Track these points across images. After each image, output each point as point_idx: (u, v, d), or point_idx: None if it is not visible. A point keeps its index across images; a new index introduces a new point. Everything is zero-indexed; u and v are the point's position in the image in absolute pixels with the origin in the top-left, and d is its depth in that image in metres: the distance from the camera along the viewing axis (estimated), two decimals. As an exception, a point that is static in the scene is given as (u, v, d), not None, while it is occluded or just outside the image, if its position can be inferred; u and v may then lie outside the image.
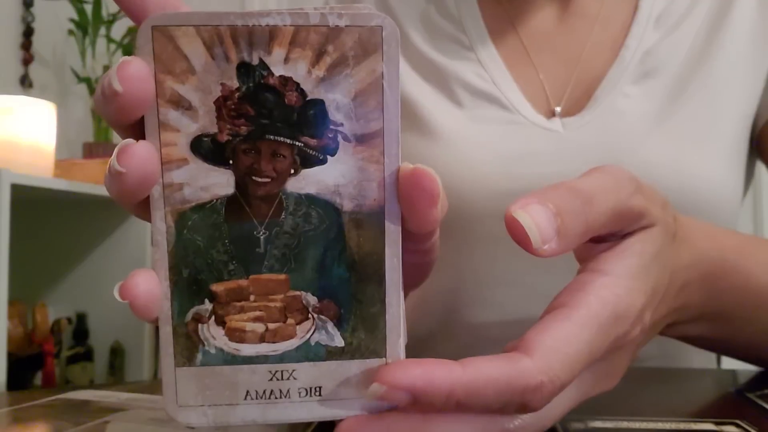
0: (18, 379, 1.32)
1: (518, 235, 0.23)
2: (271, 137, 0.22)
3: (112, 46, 1.77)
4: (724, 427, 0.30)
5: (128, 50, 1.75)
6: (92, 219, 1.52)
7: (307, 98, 0.22)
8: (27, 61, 1.81)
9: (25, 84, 1.81)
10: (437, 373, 0.21)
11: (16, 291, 1.21)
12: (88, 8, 1.74)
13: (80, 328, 1.51)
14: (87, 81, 1.77)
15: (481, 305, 0.52)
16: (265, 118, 0.22)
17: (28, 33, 1.81)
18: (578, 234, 0.24)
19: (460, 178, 0.50)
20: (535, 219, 0.23)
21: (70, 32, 1.81)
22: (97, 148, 1.69)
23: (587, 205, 0.24)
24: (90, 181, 1.38)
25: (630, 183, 0.27)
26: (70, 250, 1.54)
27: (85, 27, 1.75)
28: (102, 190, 1.37)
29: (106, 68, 1.78)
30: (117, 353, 1.51)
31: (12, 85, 1.77)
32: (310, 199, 0.22)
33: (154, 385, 0.42)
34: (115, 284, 0.21)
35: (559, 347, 0.23)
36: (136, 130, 0.22)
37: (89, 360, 1.51)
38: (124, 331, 1.51)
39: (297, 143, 0.22)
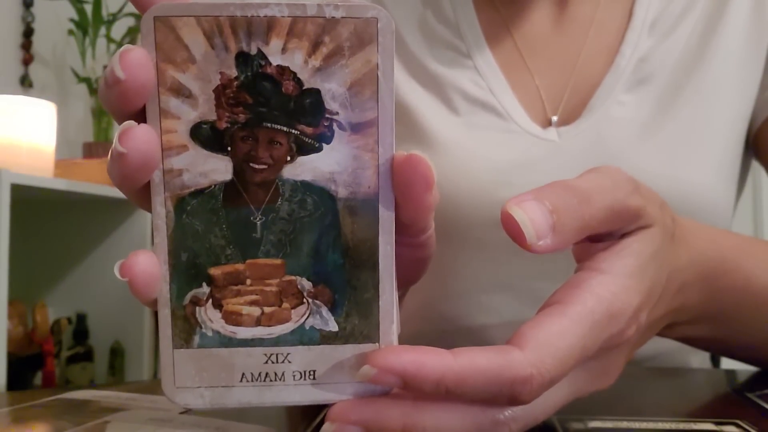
0: (18, 379, 1.32)
1: (512, 231, 0.23)
2: (269, 125, 0.23)
3: (112, 46, 1.77)
4: (724, 427, 0.30)
5: (128, 50, 1.75)
6: (92, 219, 1.52)
7: (304, 87, 0.22)
8: (27, 61, 1.81)
9: (25, 84, 1.81)
10: (428, 360, 0.22)
11: (16, 291, 1.21)
12: (88, 8, 1.74)
13: (80, 328, 1.51)
14: (87, 81, 1.77)
15: (479, 310, 0.53)
16: (263, 106, 0.22)
17: (28, 33, 1.81)
18: (574, 231, 0.24)
19: (457, 186, 0.51)
20: (530, 215, 0.23)
21: (70, 32, 1.81)
22: (97, 148, 1.69)
23: (584, 203, 0.24)
24: (90, 181, 1.38)
25: (627, 183, 0.27)
26: (70, 250, 1.54)
27: (85, 27, 1.76)
28: (102, 190, 1.37)
29: (106, 68, 1.78)
30: (117, 353, 1.51)
31: (12, 85, 1.77)
32: (306, 186, 0.23)
33: (154, 385, 0.42)
34: (115, 285, 0.22)
35: (551, 341, 0.23)
36: (138, 120, 0.22)
37: (89, 360, 1.51)
38: (124, 331, 1.51)
39: (293, 131, 0.23)
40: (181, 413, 0.31)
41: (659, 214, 0.28)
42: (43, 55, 1.88)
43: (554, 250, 0.24)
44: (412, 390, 0.22)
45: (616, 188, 0.26)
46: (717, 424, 0.31)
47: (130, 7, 1.68)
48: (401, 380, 0.22)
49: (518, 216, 0.23)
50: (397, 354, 0.22)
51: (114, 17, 1.78)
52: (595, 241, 0.27)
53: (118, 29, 1.80)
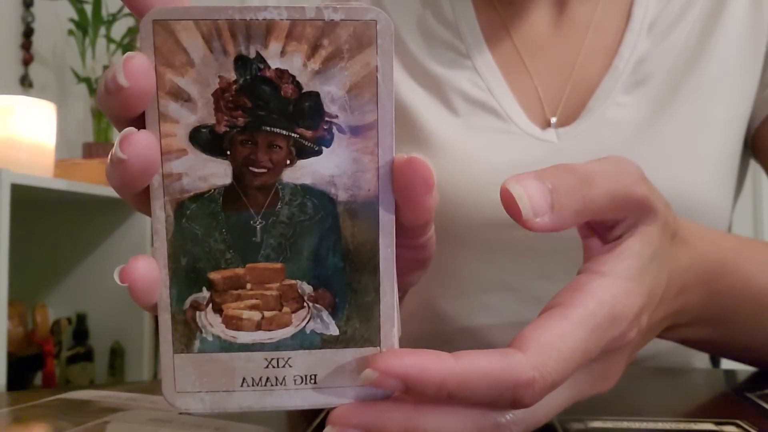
0: (18, 379, 1.32)
1: (510, 206, 0.23)
2: (268, 129, 0.23)
3: (112, 46, 1.77)
4: (724, 427, 0.30)
5: (128, 50, 1.74)
6: (92, 219, 1.52)
7: (303, 91, 0.22)
8: (27, 61, 1.81)
9: (25, 84, 1.81)
10: (430, 363, 0.21)
11: (16, 291, 1.21)
12: (88, 8, 1.74)
13: (80, 329, 1.51)
14: (87, 81, 1.77)
15: (479, 310, 0.53)
16: (262, 109, 0.22)
17: (28, 33, 1.81)
18: (573, 212, 0.24)
19: (456, 187, 0.51)
20: (528, 192, 0.23)
21: (70, 32, 1.81)
22: (97, 148, 1.69)
23: (585, 185, 0.24)
24: (90, 181, 1.38)
25: (634, 172, 0.27)
26: (70, 250, 1.54)
27: (85, 27, 1.76)
28: (102, 190, 1.37)
29: (106, 68, 1.77)
30: (117, 353, 1.51)
31: (12, 85, 1.77)
32: (306, 190, 0.23)
33: (154, 385, 0.42)
34: (115, 285, 0.22)
35: (554, 344, 0.23)
36: (137, 125, 0.22)
37: (89, 360, 1.51)
38: (124, 331, 1.51)
39: (293, 135, 0.23)
40: (181, 413, 0.31)
41: (663, 208, 0.28)
42: (43, 55, 1.88)
43: (553, 229, 0.24)
44: (414, 394, 0.22)
45: (621, 175, 0.26)
46: (717, 424, 0.31)
47: (130, 7, 1.68)
48: (403, 384, 0.21)
49: (516, 191, 0.23)
50: (398, 357, 0.22)
51: (114, 17, 1.78)
52: (603, 231, 0.27)
53: (118, 29, 1.80)
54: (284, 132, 0.23)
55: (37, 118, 1.30)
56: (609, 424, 0.30)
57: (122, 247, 1.50)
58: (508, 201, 0.23)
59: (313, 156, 0.23)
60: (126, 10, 1.77)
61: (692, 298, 0.33)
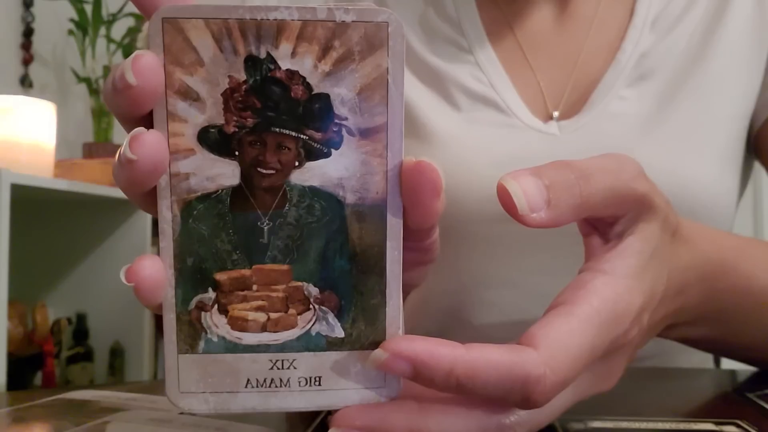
0: (18, 379, 1.32)
1: (506, 202, 0.23)
2: (277, 130, 0.22)
3: (112, 46, 1.77)
4: (724, 427, 0.30)
5: (128, 50, 1.75)
6: (92, 219, 1.52)
7: (313, 92, 0.22)
8: (27, 61, 1.81)
9: (25, 84, 1.81)
10: (440, 349, 0.22)
11: (16, 291, 1.21)
12: (88, 8, 1.74)
13: (80, 328, 1.51)
14: (87, 81, 1.77)
15: (481, 306, 0.53)
16: (272, 110, 0.22)
17: (28, 33, 1.81)
18: (570, 207, 0.24)
19: (458, 181, 0.51)
20: (524, 187, 0.23)
21: (70, 32, 1.81)
22: (97, 148, 1.69)
23: (582, 180, 0.24)
24: (90, 181, 1.38)
25: (634, 168, 0.27)
26: (70, 250, 1.54)
27: (85, 27, 1.76)
28: (102, 190, 1.37)
29: (106, 68, 1.78)
30: (117, 353, 1.50)
31: (12, 85, 1.77)
32: (314, 192, 0.23)
33: (154, 385, 0.42)
34: (115, 285, 0.22)
35: (562, 341, 0.23)
36: (144, 124, 0.22)
37: (89, 360, 1.51)
38: (124, 331, 1.51)
39: (302, 136, 0.22)
40: (181, 413, 0.31)
41: (664, 205, 0.28)
42: (43, 55, 1.88)
43: (550, 224, 0.24)
44: (423, 380, 0.22)
45: (621, 171, 0.26)
46: (717, 424, 0.31)
47: (130, 7, 1.68)
48: (412, 367, 0.21)
49: (511, 187, 0.23)
50: (409, 341, 0.22)
51: (114, 17, 1.78)
52: (604, 228, 0.27)
53: (118, 29, 1.80)
54: (293, 133, 0.22)
55: (37, 118, 1.30)
56: (609, 424, 0.30)
57: (122, 247, 1.50)
58: (504, 196, 0.23)
59: (322, 158, 0.23)
60: (126, 10, 1.77)
61: (692, 296, 0.33)
